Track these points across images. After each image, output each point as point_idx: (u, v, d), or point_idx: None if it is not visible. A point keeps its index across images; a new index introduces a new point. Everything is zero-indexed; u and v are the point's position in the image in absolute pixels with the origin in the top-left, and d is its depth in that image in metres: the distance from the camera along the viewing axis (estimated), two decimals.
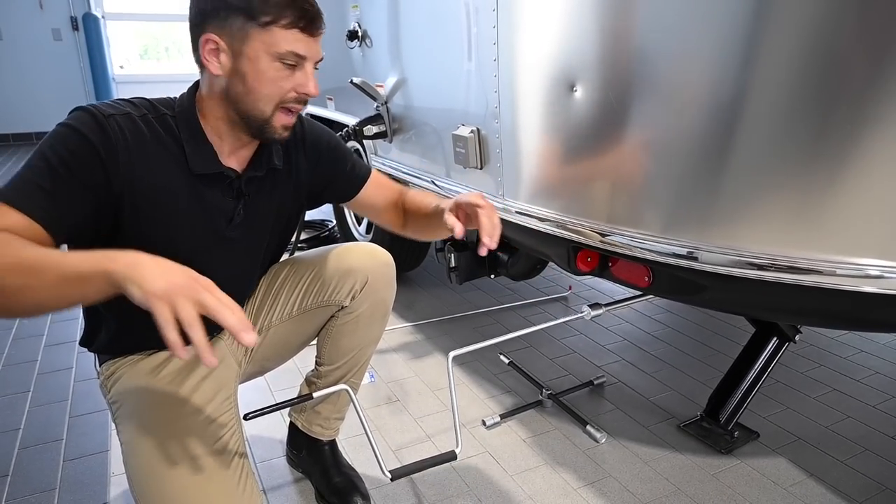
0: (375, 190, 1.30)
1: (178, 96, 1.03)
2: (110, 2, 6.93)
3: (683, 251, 1.17)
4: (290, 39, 0.93)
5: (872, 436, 1.63)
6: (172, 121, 0.99)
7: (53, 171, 0.87)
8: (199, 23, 0.95)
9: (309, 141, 1.19)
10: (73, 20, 6.61)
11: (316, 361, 1.35)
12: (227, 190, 1.05)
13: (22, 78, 6.54)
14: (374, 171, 1.31)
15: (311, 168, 1.20)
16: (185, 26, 0.98)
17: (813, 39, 0.97)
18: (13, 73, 6.49)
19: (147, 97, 1.02)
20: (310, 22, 0.94)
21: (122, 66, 7.16)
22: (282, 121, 1.00)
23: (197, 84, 1.03)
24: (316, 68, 1.02)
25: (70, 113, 0.92)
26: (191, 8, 0.96)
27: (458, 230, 1.03)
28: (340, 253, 1.27)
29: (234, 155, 1.05)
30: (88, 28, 6.55)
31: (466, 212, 1.07)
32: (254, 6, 0.91)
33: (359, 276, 1.24)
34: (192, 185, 1.00)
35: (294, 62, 0.96)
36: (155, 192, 0.96)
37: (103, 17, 6.80)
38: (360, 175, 1.28)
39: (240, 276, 1.20)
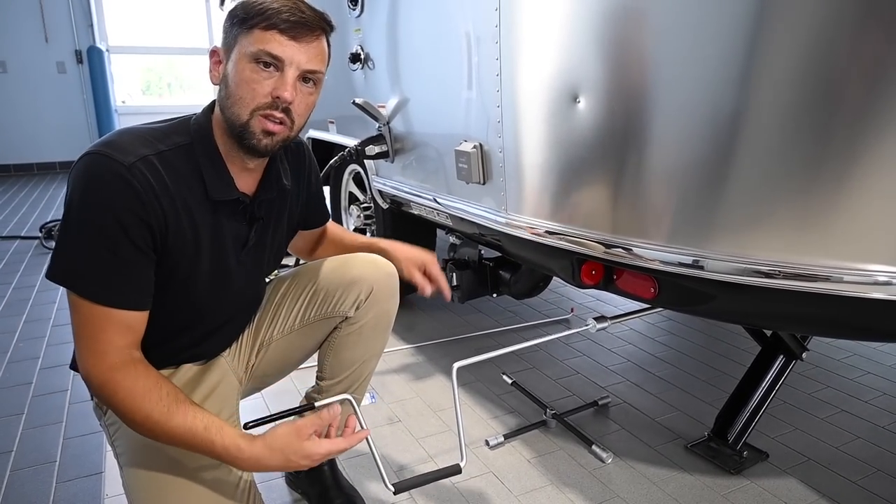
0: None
1: (193, 116, 1.02)
2: (115, 35, 7.06)
3: (689, 260, 1.16)
4: (266, 39, 0.91)
5: (883, 456, 1.60)
6: (188, 148, 0.97)
7: (117, 253, 0.89)
8: (221, 41, 0.98)
9: (309, 163, 1.23)
10: (78, 53, 6.72)
11: (317, 377, 1.33)
12: (241, 216, 1.05)
13: (26, 109, 6.61)
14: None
15: (308, 188, 1.23)
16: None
17: (814, 47, 0.98)
18: (17, 105, 6.57)
19: (157, 123, 0.99)
20: (293, 25, 0.92)
21: (123, 101, 7.25)
22: (262, 125, 0.95)
23: (212, 104, 1.02)
24: (308, 80, 0.97)
25: (88, 161, 0.89)
26: None
27: (429, 291, 1.28)
28: (343, 264, 1.26)
29: (244, 176, 1.03)
30: (93, 61, 6.66)
31: (425, 272, 1.29)
32: (247, 11, 0.92)
33: (363, 285, 1.23)
34: (212, 214, 1.00)
35: (270, 61, 0.92)
36: (183, 233, 0.96)
37: (108, 50, 6.92)
38: (325, 213, 1.35)
39: (252, 297, 1.20)
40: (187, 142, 0.97)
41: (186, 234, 0.96)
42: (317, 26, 0.95)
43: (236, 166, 1.01)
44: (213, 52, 0.98)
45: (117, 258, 0.89)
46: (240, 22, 0.93)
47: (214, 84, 0.98)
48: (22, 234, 3.95)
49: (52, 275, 0.90)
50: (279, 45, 0.91)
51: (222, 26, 0.98)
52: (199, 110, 1.03)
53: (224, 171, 0.99)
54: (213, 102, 1.01)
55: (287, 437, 0.91)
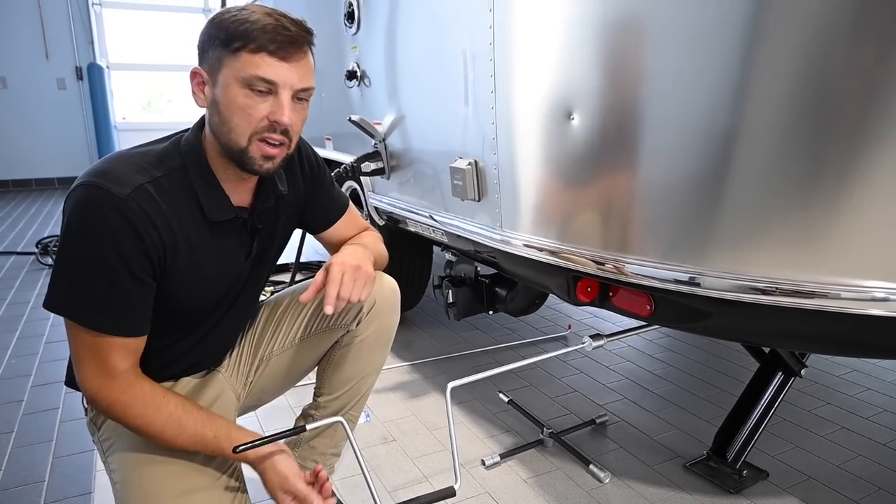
0: (345, 228, 1.27)
1: (183, 136, 1.01)
2: (115, 52, 7.10)
3: (685, 277, 1.15)
4: (257, 63, 0.88)
5: (885, 475, 1.58)
6: (182, 171, 0.96)
7: (117, 284, 0.90)
8: (198, 60, 0.95)
9: (304, 157, 1.18)
10: (78, 70, 6.76)
11: (315, 392, 1.31)
12: (242, 229, 1.05)
13: (25, 126, 6.63)
14: (349, 207, 1.29)
15: (307, 185, 1.19)
16: (188, 78, 0.97)
17: (808, 64, 0.98)
18: (17, 121, 6.59)
19: (151, 146, 0.99)
20: (281, 45, 0.89)
21: (124, 118, 7.28)
22: (261, 151, 0.94)
23: (201, 121, 1.01)
24: (301, 98, 0.96)
25: (83, 193, 0.88)
26: None
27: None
28: None
29: (239, 190, 1.03)
30: (93, 78, 6.70)
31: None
32: (229, 33, 0.89)
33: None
34: (212, 233, 0.99)
35: (264, 88, 0.90)
36: (183, 258, 0.96)
37: (108, 66, 6.96)
38: (336, 207, 1.26)
39: (252, 302, 1.20)
40: (180, 164, 0.96)
41: (186, 258, 0.97)
42: (303, 41, 0.93)
43: (231, 182, 1.01)
44: (195, 74, 0.95)
45: (117, 289, 0.90)
46: (222, 44, 0.90)
47: (200, 107, 0.97)
48: (18, 250, 3.94)
49: (52, 305, 0.91)
50: (270, 68, 0.89)
51: (199, 45, 0.94)
52: (190, 127, 1.02)
53: (219, 192, 0.99)
54: (203, 120, 1.00)
55: (277, 480, 1.00)
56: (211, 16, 0.96)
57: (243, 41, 0.88)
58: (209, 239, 0.99)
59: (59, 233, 0.92)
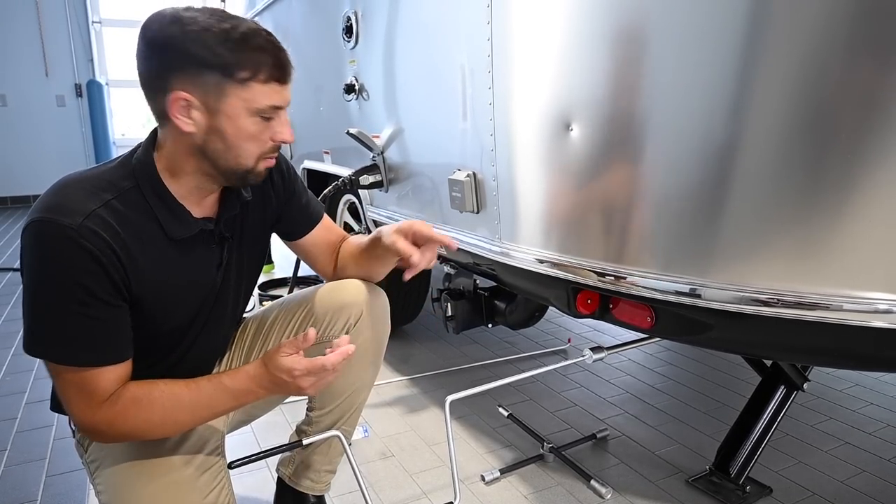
0: (323, 233, 1.26)
1: (133, 155, 0.96)
2: (115, 69, 7.14)
3: (686, 289, 1.14)
4: (268, 93, 0.90)
5: (890, 491, 1.55)
6: (137, 192, 0.93)
7: (90, 315, 0.88)
8: (162, 76, 0.88)
9: (275, 166, 1.14)
10: (78, 87, 6.79)
11: (307, 407, 1.29)
12: (209, 240, 1.03)
13: (24, 142, 6.65)
14: (325, 216, 1.28)
15: (277, 194, 1.17)
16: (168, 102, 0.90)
17: (808, 76, 0.98)
18: (16, 138, 6.61)
19: (100, 169, 0.95)
20: (285, 71, 0.92)
21: (123, 134, 7.30)
22: (265, 165, 0.98)
23: (151, 139, 0.97)
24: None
25: (35, 230, 0.86)
26: (146, 60, 0.90)
27: (416, 257, 1.04)
28: (333, 289, 1.23)
29: (204, 203, 1.01)
30: (92, 94, 6.73)
31: (415, 241, 1.08)
32: (230, 62, 0.87)
33: (353, 310, 1.20)
34: (178, 249, 0.97)
35: (273, 115, 0.93)
36: (150, 278, 0.94)
37: (107, 84, 6.99)
38: (313, 213, 1.24)
39: (233, 311, 1.18)
40: (133, 185, 0.93)
41: (153, 279, 0.95)
42: (290, 60, 0.95)
43: (193, 198, 0.99)
44: (179, 98, 0.88)
45: (91, 320, 0.88)
46: (222, 71, 0.87)
47: (187, 132, 0.90)
48: (14, 267, 3.93)
49: (32, 350, 0.89)
50: (279, 95, 0.92)
51: (169, 61, 0.87)
52: (140, 147, 0.98)
53: (178, 209, 0.96)
54: (153, 138, 0.97)
55: (268, 353, 0.96)
56: (166, 21, 0.87)
57: (251, 72, 0.88)
58: (175, 256, 0.97)
59: (23, 286, 0.89)
